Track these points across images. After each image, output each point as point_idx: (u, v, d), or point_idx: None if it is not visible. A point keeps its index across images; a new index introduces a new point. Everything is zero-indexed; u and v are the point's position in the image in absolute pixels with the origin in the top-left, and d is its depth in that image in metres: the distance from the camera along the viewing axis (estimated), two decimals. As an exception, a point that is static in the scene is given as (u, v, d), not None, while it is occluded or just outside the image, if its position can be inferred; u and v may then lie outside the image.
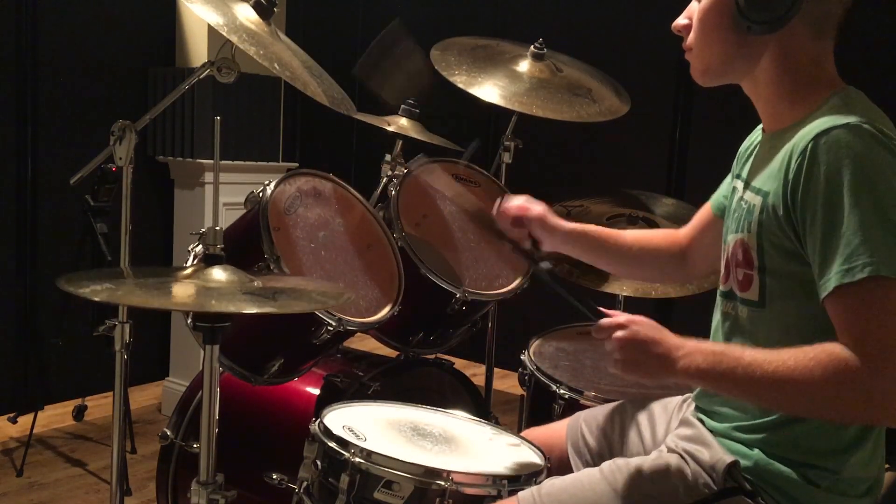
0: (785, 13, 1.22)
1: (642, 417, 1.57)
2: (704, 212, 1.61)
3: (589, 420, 1.62)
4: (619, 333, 1.26)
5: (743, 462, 1.28)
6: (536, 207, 1.61)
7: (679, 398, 1.56)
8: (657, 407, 1.58)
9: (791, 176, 1.18)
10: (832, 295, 1.14)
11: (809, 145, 1.16)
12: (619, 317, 1.29)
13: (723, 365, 1.19)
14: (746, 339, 1.30)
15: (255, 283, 1.43)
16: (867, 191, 1.11)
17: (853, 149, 1.13)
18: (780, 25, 1.23)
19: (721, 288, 1.38)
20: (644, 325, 1.27)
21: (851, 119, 1.16)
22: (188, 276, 1.43)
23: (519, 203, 1.62)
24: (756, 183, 1.29)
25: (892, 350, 1.10)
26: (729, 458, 1.28)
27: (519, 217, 1.60)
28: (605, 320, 1.29)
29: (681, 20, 1.37)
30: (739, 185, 1.37)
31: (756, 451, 1.28)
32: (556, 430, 1.65)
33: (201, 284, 1.39)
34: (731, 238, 1.34)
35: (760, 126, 1.41)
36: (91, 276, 1.43)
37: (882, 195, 1.12)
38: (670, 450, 1.37)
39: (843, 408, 1.14)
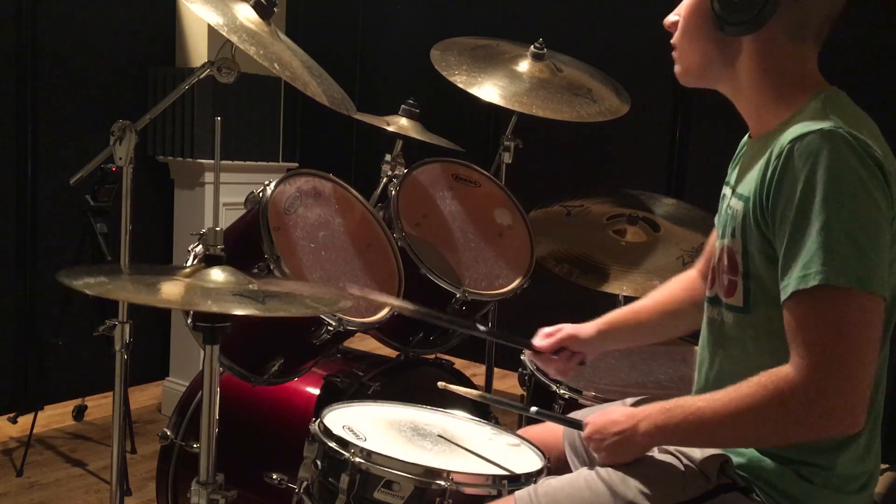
0: (758, 14, 1.22)
1: None
2: (713, 237, 1.60)
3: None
4: (585, 435, 1.39)
5: (736, 459, 1.28)
6: (563, 331, 1.67)
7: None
8: None
9: (766, 180, 1.19)
10: (788, 300, 1.15)
11: (784, 150, 1.17)
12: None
13: (676, 417, 1.25)
14: (734, 344, 1.30)
15: (251, 286, 1.43)
16: (833, 198, 1.12)
17: (824, 155, 1.13)
18: (755, 27, 1.24)
19: (707, 294, 1.39)
20: (597, 418, 1.37)
21: (826, 124, 1.16)
22: (185, 276, 1.43)
23: (549, 335, 1.68)
24: (740, 189, 1.30)
25: (835, 359, 1.11)
26: (721, 456, 1.28)
27: (554, 346, 1.66)
28: None
29: (671, 17, 1.38)
30: (728, 191, 1.39)
31: (749, 448, 1.28)
32: (553, 430, 1.65)
33: (195, 284, 1.39)
34: (718, 244, 1.35)
35: (749, 133, 1.42)
36: (89, 270, 1.44)
37: (846, 203, 1.12)
38: (663, 450, 1.37)
39: (792, 424, 1.14)
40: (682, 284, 1.65)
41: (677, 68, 1.38)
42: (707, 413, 1.20)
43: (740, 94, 1.33)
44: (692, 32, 1.33)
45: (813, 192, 1.13)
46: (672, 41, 1.38)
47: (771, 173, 1.18)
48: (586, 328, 1.65)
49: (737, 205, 1.28)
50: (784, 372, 1.14)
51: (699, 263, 1.63)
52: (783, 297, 1.16)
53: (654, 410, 1.27)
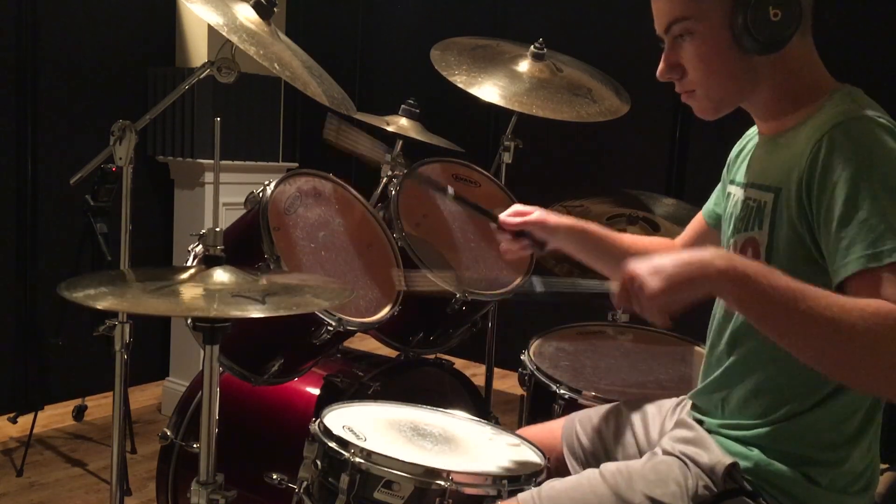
0: (797, 27, 1.23)
1: (637, 419, 1.57)
2: (697, 222, 1.62)
3: (584, 421, 1.62)
4: (626, 275, 1.16)
5: (742, 463, 1.28)
6: (534, 213, 1.59)
7: (674, 400, 1.56)
8: (651, 408, 1.58)
9: (806, 166, 1.18)
10: (855, 277, 1.11)
11: (826, 136, 1.17)
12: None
13: (773, 279, 1.09)
14: (752, 337, 1.30)
15: (260, 282, 1.43)
16: (891, 178, 1.12)
17: (870, 139, 1.15)
18: (789, 39, 1.24)
19: None
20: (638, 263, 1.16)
21: (864, 112, 1.17)
22: (188, 279, 1.42)
23: (515, 211, 1.60)
24: (763, 181, 1.29)
25: None
26: (728, 460, 1.28)
27: (519, 226, 1.58)
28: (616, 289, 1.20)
29: (667, 70, 1.34)
30: (736, 188, 1.38)
31: (755, 451, 1.28)
32: (551, 430, 1.65)
33: (203, 288, 1.39)
34: (736, 238, 1.34)
35: (754, 131, 1.42)
36: (91, 280, 1.43)
37: None
38: (667, 452, 1.36)
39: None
40: (663, 242, 1.67)
41: (707, 108, 1.34)
42: (809, 299, 1.06)
43: (757, 102, 1.33)
44: (720, 69, 1.29)
45: (867, 173, 1.13)
46: (685, 87, 1.33)
47: (812, 159, 1.17)
48: (559, 220, 1.58)
49: (763, 196, 1.28)
50: None
51: (680, 239, 1.65)
52: (844, 274, 1.12)
53: (744, 258, 1.13)
